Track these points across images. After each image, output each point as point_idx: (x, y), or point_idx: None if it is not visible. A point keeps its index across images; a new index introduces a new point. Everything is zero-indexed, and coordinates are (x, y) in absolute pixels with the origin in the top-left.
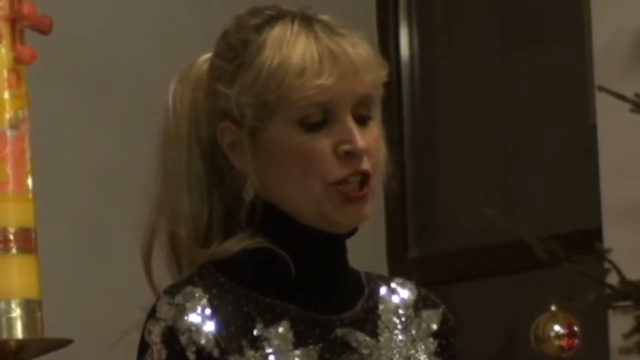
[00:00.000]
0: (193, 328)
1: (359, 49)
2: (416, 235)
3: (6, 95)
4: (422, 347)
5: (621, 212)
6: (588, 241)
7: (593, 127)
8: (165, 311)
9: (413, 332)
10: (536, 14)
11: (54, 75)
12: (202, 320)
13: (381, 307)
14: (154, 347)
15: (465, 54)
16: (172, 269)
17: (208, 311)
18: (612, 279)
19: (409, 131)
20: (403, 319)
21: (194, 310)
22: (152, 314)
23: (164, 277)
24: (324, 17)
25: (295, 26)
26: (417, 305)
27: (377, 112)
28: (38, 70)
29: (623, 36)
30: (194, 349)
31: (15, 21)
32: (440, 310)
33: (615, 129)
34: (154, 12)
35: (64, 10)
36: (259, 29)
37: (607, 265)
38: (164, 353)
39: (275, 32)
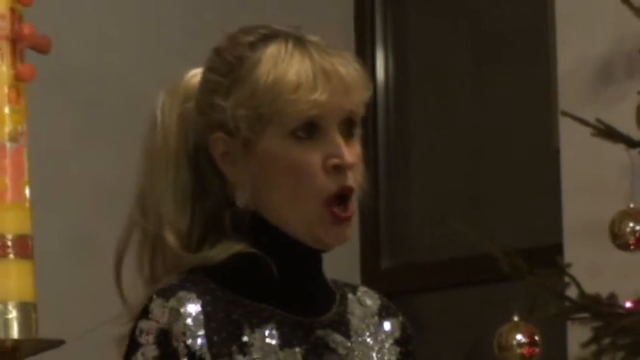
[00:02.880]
0: (187, 332)
1: (350, 68)
2: (388, 247)
3: (6, 110)
4: (385, 352)
5: (581, 229)
6: (549, 256)
7: (556, 151)
8: (159, 313)
9: (379, 338)
10: (504, 40)
11: (50, 92)
12: (195, 325)
13: (350, 312)
14: (146, 347)
15: (437, 77)
16: (143, 272)
17: (201, 317)
18: (572, 292)
19: (383, 150)
20: (370, 326)
21: (188, 315)
22: (144, 315)
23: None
24: (314, 38)
25: (290, 45)
26: (381, 314)
27: (358, 130)
28: (35, 86)
29: (586, 64)
30: (186, 352)
31: (15, 41)
32: (400, 319)
33: (577, 152)
34: (144, 30)
35: (58, 29)
36: (254, 46)
37: (567, 279)
38: (156, 354)
39: (270, 50)
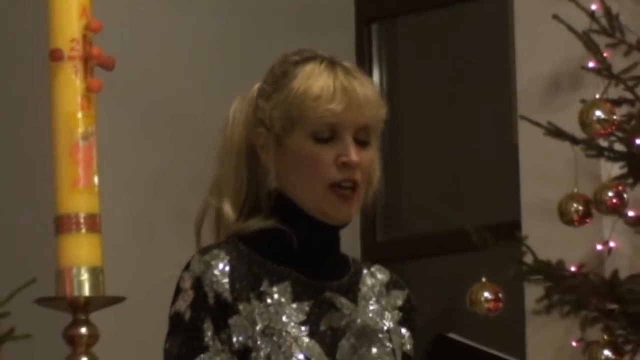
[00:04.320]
0: (214, 279)
1: (366, 88)
2: (382, 224)
3: (79, 115)
4: (389, 315)
5: (535, 209)
6: (510, 230)
7: (515, 146)
8: (196, 266)
9: (383, 303)
10: (475, 60)
11: (115, 100)
12: (221, 274)
13: (361, 283)
14: (185, 292)
15: (421, 90)
16: (214, 237)
17: (227, 269)
18: (528, 259)
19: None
20: (377, 294)
21: (217, 267)
22: (186, 267)
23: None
24: (347, 63)
25: (322, 65)
26: (389, 286)
27: (375, 142)
28: (104, 95)
29: (539, 78)
30: (213, 294)
31: (86, 60)
32: (405, 291)
33: (532, 148)
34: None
35: (123, 50)
36: (296, 64)
37: (524, 249)
38: (192, 295)
39: (307, 68)
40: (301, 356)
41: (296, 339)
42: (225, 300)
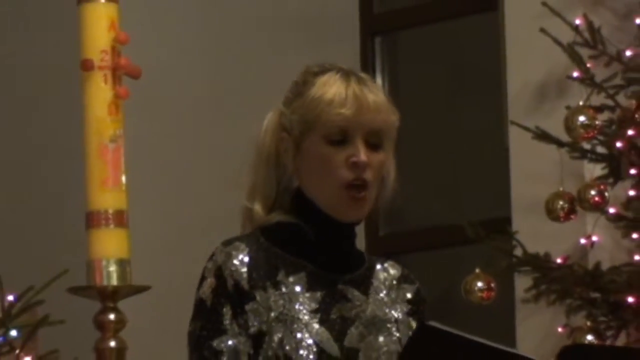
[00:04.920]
0: (234, 268)
1: (376, 96)
2: (385, 219)
3: (108, 120)
4: (398, 307)
5: (525, 206)
6: (502, 226)
7: (506, 149)
8: (218, 256)
9: (393, 296)
10: (470, 70)
11: (143, 108)
12: (240, 264)
13: (374, 277)
14: (208, 279)
15: (421, 97)
16: (244, 231)
17: (246, 259)
18: (518, 252)
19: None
20: (388, 287)
21: (237, 257)
22: (211, 257)
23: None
24: (362, 74)
25: (338, 75)
26: (400, 280)
27: (389, 146)
28: (131, 104)
29: (528, 86)
30: (232, 282)
31: (115, 69)
32: (416, 285)
33: (521, 150)
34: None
35: (150, 60)
36: (316, 75)
37: (514, 242)
38: (213, 283)
39: (324, 78)
40: (310, 341)
41: (307, 325)
42: (243, 288)
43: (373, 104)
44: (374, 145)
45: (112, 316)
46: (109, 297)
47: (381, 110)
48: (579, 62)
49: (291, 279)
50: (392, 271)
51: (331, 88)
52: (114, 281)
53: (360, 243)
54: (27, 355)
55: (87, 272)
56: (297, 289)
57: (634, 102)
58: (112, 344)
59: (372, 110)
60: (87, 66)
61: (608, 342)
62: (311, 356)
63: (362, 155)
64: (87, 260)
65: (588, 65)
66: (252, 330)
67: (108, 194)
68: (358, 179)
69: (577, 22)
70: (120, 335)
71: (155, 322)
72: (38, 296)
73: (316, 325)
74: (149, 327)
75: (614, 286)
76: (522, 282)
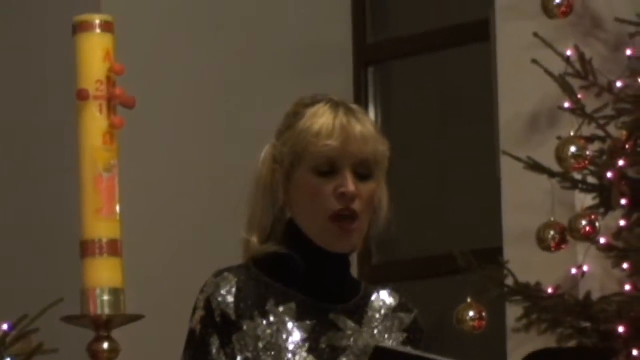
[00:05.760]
0: (221, 299)
1: (364, 127)
2: (378, 248)
3: (103, 149)
4: (393, 337)
5: (516, 236)
6: (493, 255)
7: (498, 179)
8: (209, 287)
9: (388, 325)
10: (461, 101)
11: (139, 137)
12: (228, 294)
13: (369, 306)
14: (199, 310)
15: (414, 127)
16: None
17: (234, 290)
18: (509, 281)
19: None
20: (383, 317)
21: (225, 288)
22: (202, 289)
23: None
24: (353, 105)
25: (327, 106)
26: (396, 309)
27: (379, 176)
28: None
29: (520, 117)
30: (219, 312)
31: (110, 99)
32: (414, 314)
33: (513, 180)
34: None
35: (143, 92)
36: (307, 106)
37: (506, 272)
38: (202, 314)
39: (314, 109)
40: None
41: (295, 355)
42: (230, 318)
43: (360, 135)
44: (363, 175)
45: (105, 345)
46: (103, 326)
47: (369, 141)
48: (570, 92)
49: (281, 309)
50: (388, 300)
51: (320, 119)
52: (108, 310)
53: (353, 272)
54: None
55: (81, 301)
56: (286, 318)
57: (624, 132)
58: None
59: (359, 140)
60: (82, 96)
61: None
62: None
63: (350, 185)
64: (81, 289)
65: (579, 96)
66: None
67: (102, 223)
68: (346, 209)
69: (569, 53)
70: None
71: (150, 351)
72: (32, 325)
73: (304, 355)
74: (143, 357)
75: (605, 316)
76: (514, 312)
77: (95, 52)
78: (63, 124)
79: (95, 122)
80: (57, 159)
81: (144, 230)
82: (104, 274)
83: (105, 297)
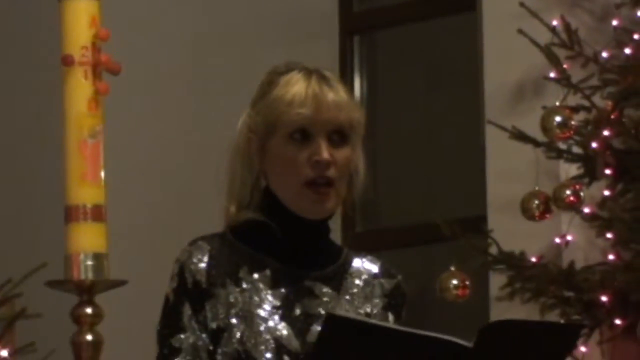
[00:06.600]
0: (193, 267)
1: (337, 94)
2: (361, 217)
3: (88, 115)
4: (374, 302)
5: (500, 205)
6: (477, 224)
7: (483, 148)
8: (182, 255)
9: (367, 291)
10: (448, 69)
11: (125, 102)
12: (199, 262)
13: (349, 272)
14: (173, 278)
15: (399, 96)
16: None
17: (205, 258)
18: (493, 250)
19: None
20: (363, 283)
21: (196, 256)
22: (177, 257)
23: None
24: (327, 73)
25: (300, 74)
26: (377, 275)
27: (355, 142)
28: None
29: (505, 87)
30: (191, 280)
31: (95, 65)
32: (395, 280)
33: (497, 149)
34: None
35: (130, 56)
36: (280, 74)
37: (489, 241)
38: (176, 281)
39: (286, 77)
40: (269, 336)
41: (266, 321)
42: (202, 286)
43: (333, 102)
44: (337, 142)
45: (89, 310)
46: (86, 291)
47: (342, 108)
48: (555, 62)
49: (255, 276)
50: (369, 266)
51: (292, 88)
52: (91, 275)
53: (337, 240)
54: (3, 348)
55: (65, 266)
56: (260, 285)
57: (609, 103)
58: (89, 337)
59: (332, 108)
60: (67, 61)
61: (581, 340)
62: (269, 353)
63: (324, 153)
64: (65, 254)
65: (565, 66)
66: (212, 326)
67: (86, 188)
68: (321, 176)
69: (555, 23)
70: (97, 329)
71: (133, 316)
72: (16, 289)
73: (277, 321)
74: (126, 321)
75: (588, 285)
76: (497, 280)
77: (81, 19)
78: (49, 90)
79: (80, 88)
80: (42, 124)
81: (128, 196)
82: (87, 239)
83: (89, 262)
